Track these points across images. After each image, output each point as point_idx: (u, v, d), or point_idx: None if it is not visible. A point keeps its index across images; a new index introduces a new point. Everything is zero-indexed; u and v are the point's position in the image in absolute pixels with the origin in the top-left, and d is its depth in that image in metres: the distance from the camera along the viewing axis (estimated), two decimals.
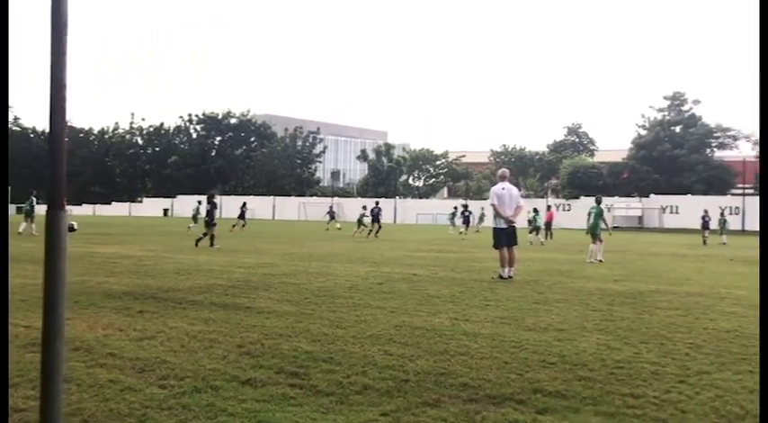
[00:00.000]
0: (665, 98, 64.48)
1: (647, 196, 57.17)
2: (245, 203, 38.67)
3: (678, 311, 8.13)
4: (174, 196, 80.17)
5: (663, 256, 19.61)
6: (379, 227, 30.44)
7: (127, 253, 16.35)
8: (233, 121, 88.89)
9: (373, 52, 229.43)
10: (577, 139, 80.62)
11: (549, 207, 33.24)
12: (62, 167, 2.96)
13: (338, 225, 40.02)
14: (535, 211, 28.23)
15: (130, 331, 6.25)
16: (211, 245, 19.09)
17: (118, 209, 79.13)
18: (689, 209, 51.82)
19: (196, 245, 19.24)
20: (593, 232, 16.96)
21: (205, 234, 19.70)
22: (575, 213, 56.40)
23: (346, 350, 5.59)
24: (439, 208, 63.80)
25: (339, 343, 5.87)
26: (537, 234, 27.20)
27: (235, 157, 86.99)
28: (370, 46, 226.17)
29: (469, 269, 13.64)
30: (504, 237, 11.87)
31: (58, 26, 2.96)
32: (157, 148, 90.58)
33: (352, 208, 67.23)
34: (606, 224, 17.54)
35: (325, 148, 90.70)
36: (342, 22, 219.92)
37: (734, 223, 47.10)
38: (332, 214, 41.78)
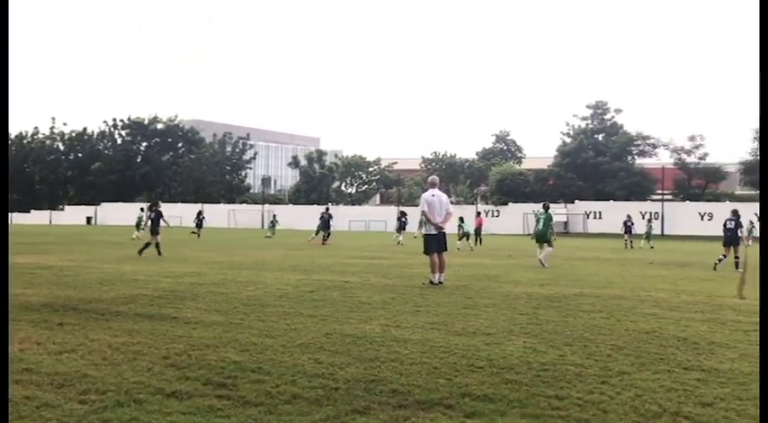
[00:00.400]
0: (588, 107, 66.63)
1: (572, 202, 58.91)
2: (200, 212, 39.91)
3: (601, 314, 8.39)
4: (97, 204, 77.55)
5: (587, 261, 20.22)
6: (328, 234, 30.40)
7: (46, 263, 15.71)
8: (159, 126, 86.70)
9: (304, 58, 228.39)
10: (505, 147, 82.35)
11: (478, 213, 33.76)
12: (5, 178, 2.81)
13: (269, 233, 39.47)
14: (461, 219, 28.53)
15: (49, 345, 6.00)
16: (159, 253, 18.97)
17: (38, 217, 75.93)
18: (611, 214, 53.64)
19: (140, 253, 18.89)
20: (545, 238, 17.42)
21: (148, 243, 19.65)
22: (503, 219, 57.70)
23: (275, 359, 5.53)
24: (371, 214, 64.03)
25: (268, 352, 5.80)
26: (467, 240, 27.58)
27: (161, 163, 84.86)
28: (302, 51, 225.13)
29: (401, 275, 13.72)
30: (435, 243, 12.00)
31: None
32: (80, 154, 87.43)
33: (282, 215, 66.73)
34: (552, 229, 18.09)
35: (255, 154, 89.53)
36: (271, 28, 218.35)
37: (654, 228, 49.08)
38: (273, 222, 41.50)
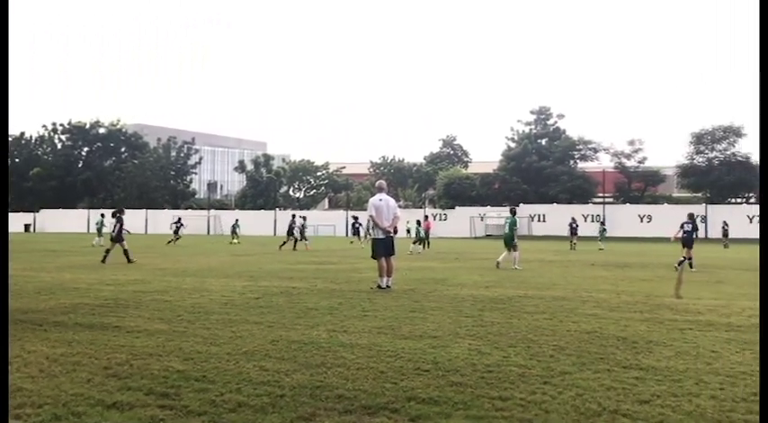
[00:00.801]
0: (532, 112, 67.97)
1: (517, 205, 59.85)
2: (179, 219, 40.15)
3: (544, 315, 8.56)
4: (36, 211, 75.14)
5: (531, 263, 20.57)
6: (296, 240, 30.15)
7: None
8: (101, 131, 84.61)
9: (251, 61, 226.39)
10: (452, 152, 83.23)
11: (426, 217, 33.95)
12: None
13: (236, 240, 38.59)
14: (418, 223, 28.71)
15: None
16: (129, 261, 18.84)
17: None
18: (555, 217, 54.89)
19: (103, 261, 18.72)
20: (511, 242, 18.18)
21: (108, 250, 19.63)
22: (451, 223, 58.27)
23: (220, 368, 5.46)
24: (320, 219, 63.75)
25: (213, 360, 5.73)
26: (421, 244, 27.58)
27: (103, 168, 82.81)
28: (248, 55, 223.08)
29: (349, 280, 13.71)
30: (383, 247, 12.04)
31: None
32: (17, 160, 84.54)
33: (228, 221, 65.93)
34: (516, 232, 18.70)
35: (200, 159, 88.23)
36: (217, 31, 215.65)
37: (595, 230, 50.24)
38: (235, 227, 40.94)
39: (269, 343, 6.55)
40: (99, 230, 33.76)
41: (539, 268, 18.11)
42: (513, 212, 19.06)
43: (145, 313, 8.57)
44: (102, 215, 34.21)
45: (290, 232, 30.92)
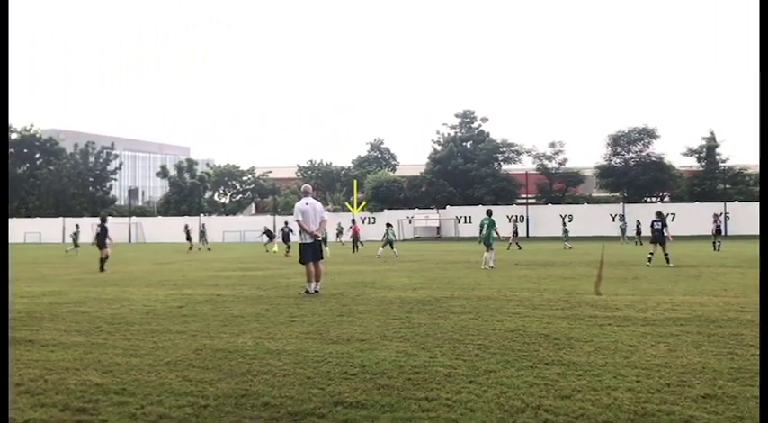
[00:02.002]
0: (457, 116, 69.01)
1: (444, 208, 60.81)
2: (186, 225, 41.11)
3: (470, 315, 8.69)
4: None
5: (458, 264, 20.88)
6: (288, 246, 29.88)
7: None
8: (14, 136, 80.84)
9: (170, 64, 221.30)
10: (380, 155, 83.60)
11: (353, 220, 33.98)
12: None
13: (275, 248, 35.08)
14: (388, 225, 28.18)
15: None
16: (101, 269, 18.88)
17: None
18: (480, 219, 55.91)
19: (102, 269, 18.83)
20: (487, 242, 18.71)
21: (104, 257, 19.55)
22: (380, 226, 58.44)
23: (141, 379, 5.29)
24: (246, 225, 62.81)
25: (133, 372, 5.54)
26: (392, 247, 26.91)
27: (17, 175, 79.03)
28: (167, 57, 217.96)
29: (276, 286, 13.55)
30: (311, 251, 11.96)
31: None
32: None
33: (151, 228, 64.12)
34: (497, 233, 19.30)
35: (120, 164, 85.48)
36: (134, 32, 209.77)
37: (521, 230, 51.42)
38: (269, 234, 38.82)
39: (192, 352, 6.40)
40: (74, 241, 35.73)
41: (465, 269, 18.38)
42: (490, 214, 19.71)
43: (61, 325, 8.23)
44: (77, 226, 37.74)
45: (285, 239, 30.87)
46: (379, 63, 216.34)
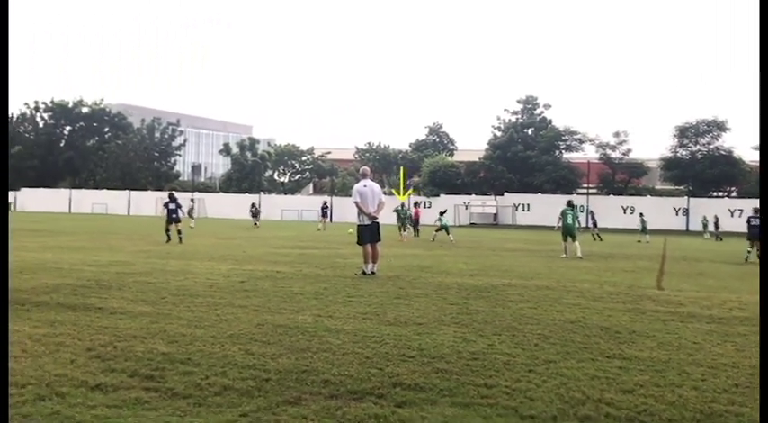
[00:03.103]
0: (519, 102, 67.94)
1: (502, 195, 60.13)
2: (253, 204, 43.22)
3: (529, 304, 8.61)
4: (17, 189, 74.25)
5: (515, 252, 20.67)
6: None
7: None
8: (85, 110, 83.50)
9: (239, 44, 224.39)
10: (438, 139, 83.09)
11: (415, 204, 33.84)
12: None
13: (320, 226, 36.20)
14: (441, 213, 28.07)
15: None
16: (174, 239, 20.70)
17: None
18: (539, 207, 55.12)
19: (180, 241, 20.44)
20: (571, 232, 18.86)
21: (179, 232, 21.26)
22: (435, 210, 58.23)
23: (205, 350, 5.44)
24: (304, 204, 63.56)
25: (198, 343, 5.70)
26: (447, 233, 26.81)
27: (86, 148, 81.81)
28: (236, 38, 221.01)
29: (333, 266, 13.69)
30: (368, 233, 12.03)
31: None
32: None
33: (213, 204, 65.49)
34: (579, 223, 19.12)
35: (185, 140, 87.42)
36: (208, 14, 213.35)
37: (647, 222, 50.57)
38: (324, 212, 39.85)
39: (254, 326, 6.54)
40: (189, 213, 37.44)
41: (522, 258, 18.19)
42: (572, 204, 19.82)
43: (128, 295, 8.52)
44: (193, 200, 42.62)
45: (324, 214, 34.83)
46: (442, 47, 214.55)
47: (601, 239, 33.11)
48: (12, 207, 70.44)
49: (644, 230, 34.47)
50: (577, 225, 18.97)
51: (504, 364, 5.24)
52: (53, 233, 24.53)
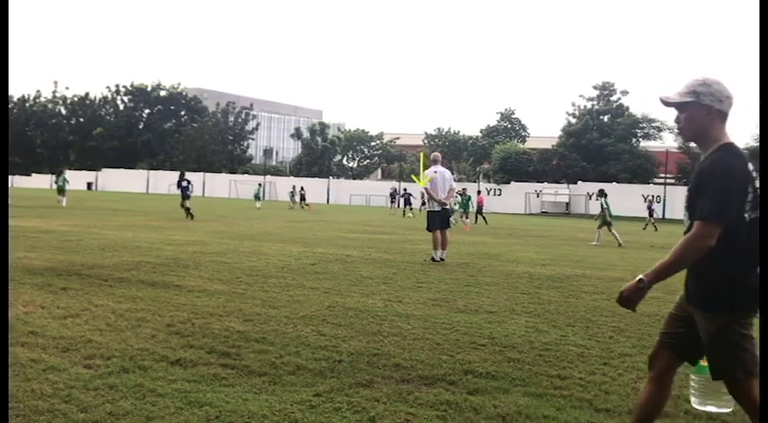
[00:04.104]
0: (595, 88, 66.13)
1: (575, 183, 58.78)
2: (294, 187, 44.40)
3: (602, 296, 8.40)
4: (98, 169, 77.44)
5: (588, 242, 20.22)
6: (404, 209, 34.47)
7: (48, 227, 15.72)
8: (162, 93, 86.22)
9: (310, 30, 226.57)
10: (510, 125, 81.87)
11: (479, 191, 33.58)
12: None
13: (410, 214, 36.24)
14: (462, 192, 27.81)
15: (53, 309, 6.02)
16: (191, 217, 22.01)
17: (39, 181, 75.91)
18: (614, 196, 53.59)
19: (189, 216, 22.03)
20: (609, 221, 19.29)
21: (189, 208, 22.61)
22: (505, 198, 57.60)
23: (279, 330, 5.55)
24: (372, 189, 63.90)
25: (272, 323, 5.82)
26: (481, 217, 26.67)
27: (163, 130, 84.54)
28: (307, 23, 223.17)
29: (402, 251, 13.72)
30: (438, 220, 11.99)
31: None
32: (82, 119, 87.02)
33: (284, 187, 66.68)
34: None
35: (257, 124, 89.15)
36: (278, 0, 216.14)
37: (656, 211, 49.04)
38: (393, 197, 40.83)
39: (326, 308, 6.63)
40: (257, 196, 40.45)
41: (596, 248, 17.79)
42: (606, 194, 19.93)
43: (205, 274, 8.77)
44: (260, 185, 43.31)
45: (407, 202, 35.62)
46: (517, 30, 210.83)
47: (656, 229, 32.87)
48: (93, 186, 73.54)
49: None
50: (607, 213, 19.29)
51: (578, 356, 5.14)
52: (132, 212, 25.48)
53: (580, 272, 11.11)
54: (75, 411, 3.52)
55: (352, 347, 5.08)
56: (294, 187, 45.31)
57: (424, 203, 37.72)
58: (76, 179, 75.08)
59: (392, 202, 40.93)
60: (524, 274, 10.36)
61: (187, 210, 22.46)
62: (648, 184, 58.03)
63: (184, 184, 23.64)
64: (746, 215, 2.80)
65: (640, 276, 3.02)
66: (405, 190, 38.95)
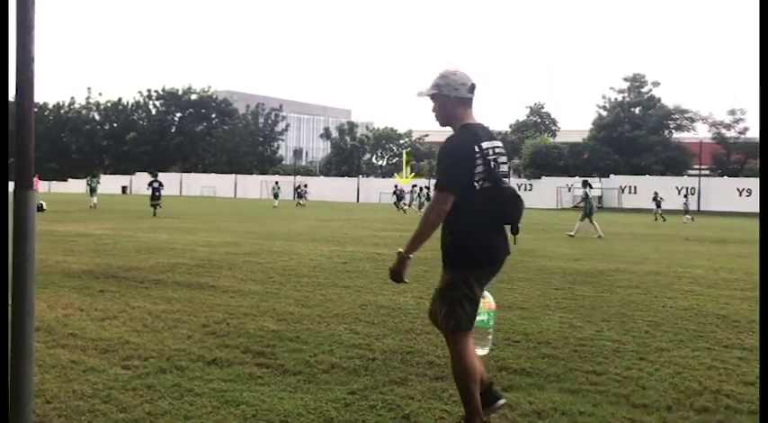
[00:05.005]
0: (626, 79, 65.21)
1: (607, 176, 58.04)
2: (416, 186, 42.86)
3: (637, 290, 8.30)
4: (132, 173, 78.66)
5: (622, 236, 19.98)
6: (420, 204, 35.37)
7: (85, 231, 16.03)
8: (193, 97, 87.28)
9: (336, 30, 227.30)
10: (539, 120, 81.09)
11: None
12: (30, 146, 2.85)
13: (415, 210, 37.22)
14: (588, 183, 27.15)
15: (92, 311, 6.14)
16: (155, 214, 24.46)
17: (74, 186, 77.37)
18: (647, 189, 52.86)
19: (154, 214, 24.21)
20: (592, 212, 19.24)
21: (157, 206, 25.64)
22: (536, 193, 57.09)
23: (312, 329, 5.59)
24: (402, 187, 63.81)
25: (305, 322, 5.86)
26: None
27: (195, 133, 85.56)
28: (334, 23, 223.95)
29: (433, 248, 13.42)
30: None
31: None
32: (115, 124, 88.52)
33: (313, 187, 67.08)
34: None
35: (287, 125, 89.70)
36: (305, 1, 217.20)
37: (690, 204, 48.20)
38: (399, 195, 41.15)
39: (358, 307, 6.65)
40: (275, 195, 42.49)
41: (629, 242, 17.56)
42: (589, 185, 19.94)
43: (238, 274, 8.86)
44: (277, 183, 45.13)
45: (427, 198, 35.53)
46: (543, 23, 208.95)
47: (664, 220, 32.67)
48: (127, 190, 74.72)
49: (687, 211, 34.70)
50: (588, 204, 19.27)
51: (614, 352, 5.08)
52: (166, 215, 25.83)
53: (614, 266, 10.98)
54: (115, 411, 3.59)
55: (385, 345, 5.09)
56: (299, 185, 46.36)
57: (400, 199, 38.88)
58: (111, 183, 76.52)
59: (428, 198, 41.31)
60: (557, 270, 10.28)
61: (154, 207, 25.53)
62: (682, 175, 57.06)
63: (156, 184, 26.63)
64: (477, 184, 3.22)
65: (399, 249, 3.33)
66: (396, 186, 42.02)
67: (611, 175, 57.92)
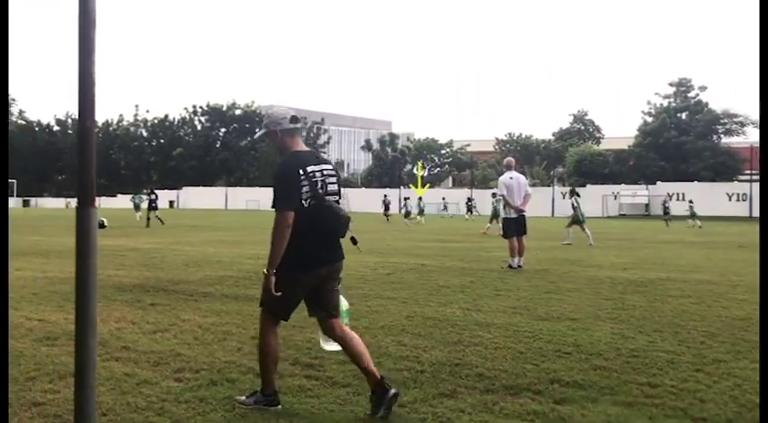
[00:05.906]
0: (671, 85, 64.10)
1: (654, 184, 56.90)
2: (386, 196, 45.51)
3: (690, 299, 8.09)
4: (179, 188, 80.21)
5: (671, 244, 19.55)
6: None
7: (134, 245, 16.38)
8: (237, 112, 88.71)
9: (377, 42, 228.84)
10: (583, 127, 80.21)
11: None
12: (92, 164, 2.92)
13: (466, 217, 39.78)
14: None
15: (143, 324, 6.25)
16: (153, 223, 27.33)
17: (123, 201, 79.14)
18: (695, 196, 51.62)
19: (148, 225, 26.72)
20: (584, 219, 19.33)
21: (150, 218, 27.94)
22: (581, 201, 56.10)
23: None
24: (444, 197, 63.64)
25: None
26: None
27: (240, 148, 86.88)
28: (374, 36, 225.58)
29: (478, 259, 13.60)
30: (514, 226, 11.84)
31: (86, 22, 2.93)
32: (162, 140, 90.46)
33: (356, 198, 67.33)
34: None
35: (329, 138, 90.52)
36: (345, 13, 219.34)
37: (741, 210, 46.89)
38: (469, 207, 42.10)
39: (404, 318, 6.63)
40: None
41: (679, 250, 17.16)
42: (577, 193, 20.20)
43: None
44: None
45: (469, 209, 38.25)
46: (586, 29, 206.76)
47: (667, 225, 33.54)
48: (174, 205, 76.14)
49: (693, 216, 34.61)
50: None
51: (668, 363, 4.95)
52: (212, 228, 26.24)
53: (664, 275, 10.73)
54: None
55: (433, 357, 5.06)
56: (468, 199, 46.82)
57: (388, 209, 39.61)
58: (159, 198, 77.90)
59: (468, 210, 41.13)
60: (606, 279, 10.09)
61: (148, 220, 27.69)
62: (733, 181, 55.63)
63: (153, 196, 29.16)
64: (304, 202, 3.74)
65: (263, 270, 3.82)
66: (385, 196, 42.69)
67: (658, 182, 56.76)
